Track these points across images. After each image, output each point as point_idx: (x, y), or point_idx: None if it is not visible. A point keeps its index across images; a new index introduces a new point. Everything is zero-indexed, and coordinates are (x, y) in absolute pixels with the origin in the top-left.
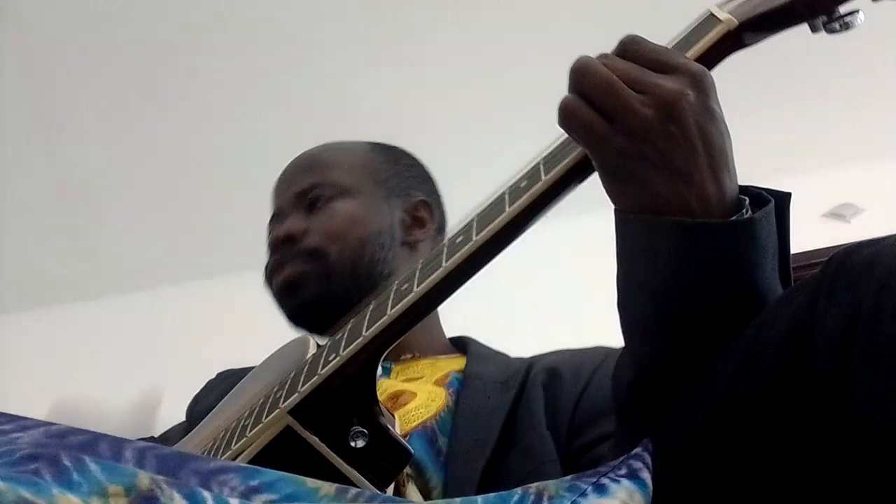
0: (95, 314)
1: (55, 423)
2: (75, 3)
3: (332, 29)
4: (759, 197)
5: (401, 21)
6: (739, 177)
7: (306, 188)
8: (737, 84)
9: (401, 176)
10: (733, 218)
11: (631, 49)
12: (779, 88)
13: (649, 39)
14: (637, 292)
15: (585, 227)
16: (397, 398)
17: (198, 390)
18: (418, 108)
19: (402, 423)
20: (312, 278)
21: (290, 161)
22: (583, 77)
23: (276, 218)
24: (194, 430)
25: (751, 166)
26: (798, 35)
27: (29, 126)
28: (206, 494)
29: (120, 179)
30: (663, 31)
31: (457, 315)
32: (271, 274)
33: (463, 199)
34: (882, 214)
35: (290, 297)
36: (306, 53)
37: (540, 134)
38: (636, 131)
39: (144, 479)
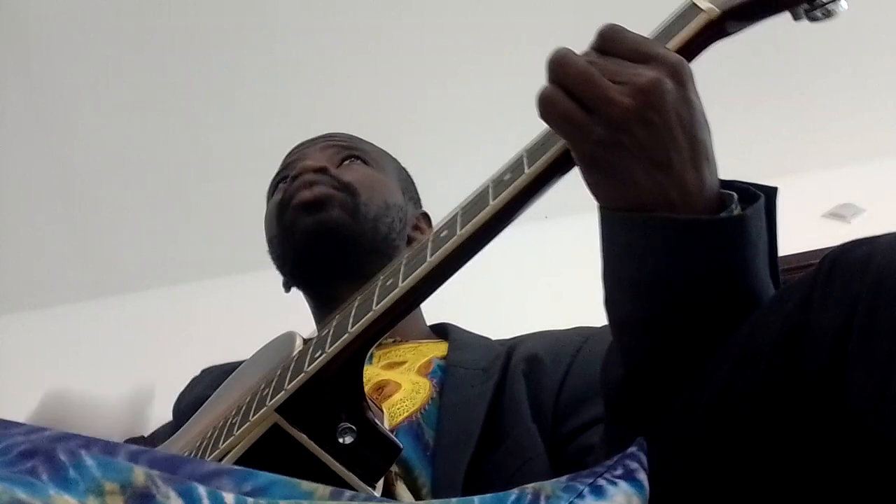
0: (95, 314)
1: (49, 428)
2: (76, 2)
3: (335, 30)
4: (746, 192)
5: (402, 21)
6: (740, 176)
7: (341, 145)
8: (737, 84)
9: (413, 185)
10: (723, 214)
11: (609, 42)
12: (779, 88)
13: (629, 29)
14: (625, 291)
15: (572, 225)
16: (382, 389)
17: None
18: (416, 108)
19: (389, 416)
20: (340, 204)
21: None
22: (560, 68)
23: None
24: (182, 429)
25: (751, 166)
26: (798, 35)
27: (29, 126)
28: (202, 491)
29: (120, 180)
30: (648, 25)
31: (447, 310)
32: (293, 194)
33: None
34: (882, 214)
35: (311, 214)
36: (308, 56)
37: (527, 130)
38: (614, 121)
39: (140, 474)
